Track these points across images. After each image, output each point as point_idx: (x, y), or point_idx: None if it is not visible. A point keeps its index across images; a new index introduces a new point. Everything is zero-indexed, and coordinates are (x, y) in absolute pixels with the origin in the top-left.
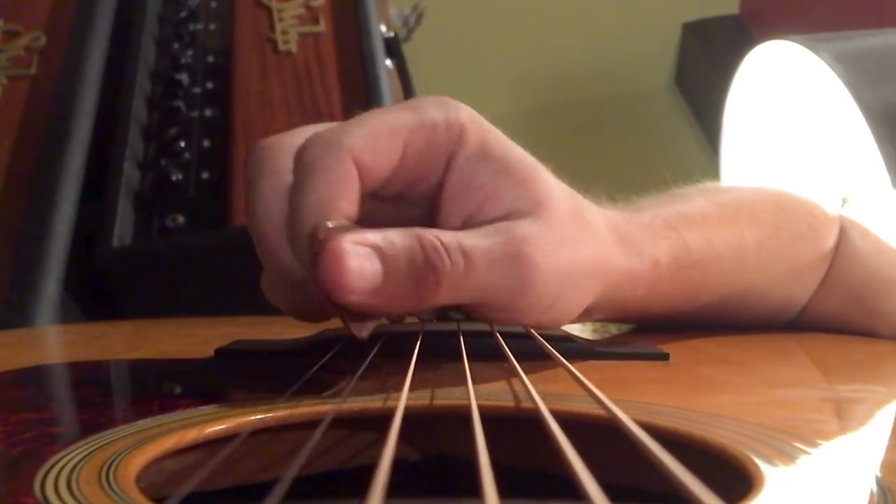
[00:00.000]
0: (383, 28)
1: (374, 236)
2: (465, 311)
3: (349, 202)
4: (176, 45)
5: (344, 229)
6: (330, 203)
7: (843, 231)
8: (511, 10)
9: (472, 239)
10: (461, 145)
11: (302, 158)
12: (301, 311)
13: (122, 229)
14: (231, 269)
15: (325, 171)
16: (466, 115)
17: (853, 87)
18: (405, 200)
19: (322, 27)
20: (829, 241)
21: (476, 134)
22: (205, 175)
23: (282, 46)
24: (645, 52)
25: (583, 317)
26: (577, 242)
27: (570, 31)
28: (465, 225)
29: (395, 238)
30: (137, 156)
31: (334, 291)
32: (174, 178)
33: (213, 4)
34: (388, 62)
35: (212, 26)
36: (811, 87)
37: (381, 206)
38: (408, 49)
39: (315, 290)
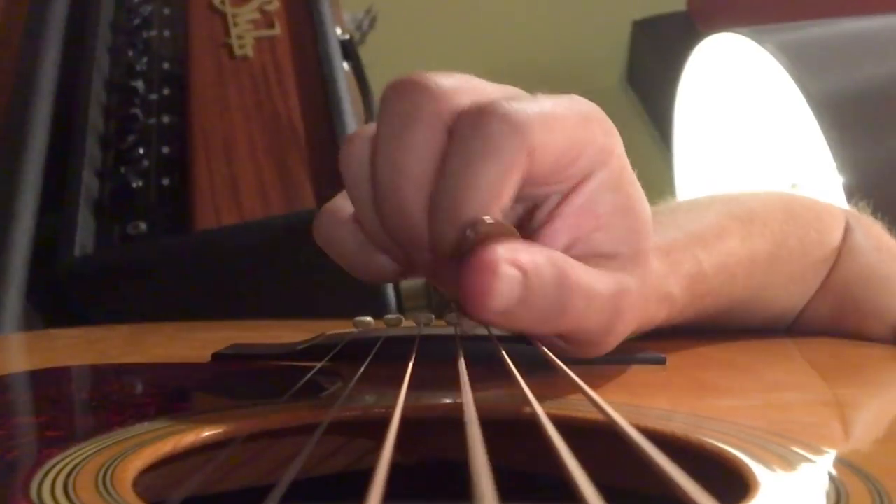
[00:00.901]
0: (338, 30)
1: (525, 257)
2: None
3: (511, 197)
4: (130, 53)
5: (498, 230)
6: (498, 195)
7: (848, 230)
8: (461, 14)
9: (593, 280)
10: (602, 168)
11: (479, 129)
12: (364, 268)
13: (84, 238)
14: (195, 275)
15: (504, 157)
16: (619, 139)
17: (797, 77)
18: (523, 198)
19: (277, 31)
20: (835, 243)
21: (618, 162)
22: (165, 181)
23: (238, 51)
24: (596, 50)
25: None
26: (642, 300)
27: (521, 32)
28: (567, 249)
29: (541, 263)
30: (96, 164)
31: (474, 305)
32: (134, 185)
33: (167, 11)
34: (345, 64)
35: (166, 33)
36: (757, 79)
37: None
38: (362, 53)
39: (417, 260)
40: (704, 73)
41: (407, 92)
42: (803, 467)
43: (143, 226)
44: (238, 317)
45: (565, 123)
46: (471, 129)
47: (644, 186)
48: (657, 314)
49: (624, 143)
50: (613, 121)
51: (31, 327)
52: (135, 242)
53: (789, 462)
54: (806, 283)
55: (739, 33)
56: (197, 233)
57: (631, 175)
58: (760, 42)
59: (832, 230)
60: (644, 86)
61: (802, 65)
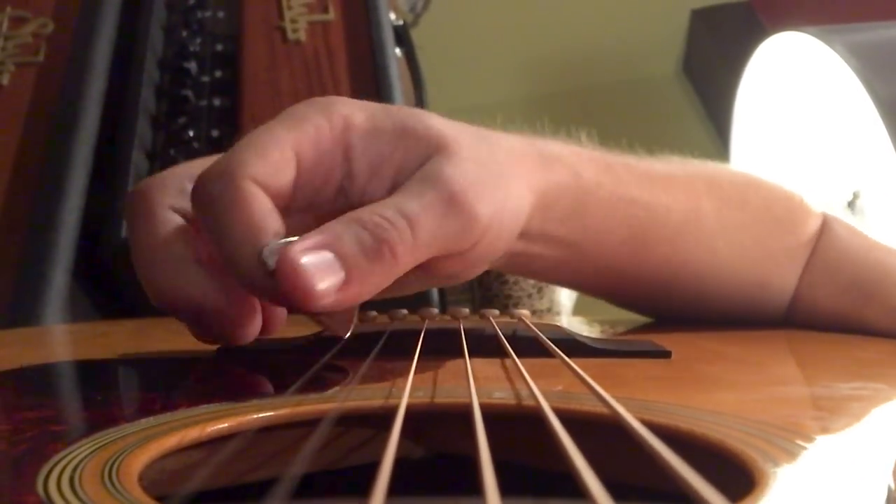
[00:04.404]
0: (392, 16)
1: (318, 237)
2: (432, 273)
3: (272, 220)
4: (184, 33)
5: (284, 243)
6: (257, 231)
7: (827, 225)
8: None
9: (404, 199)
10: (350, 133)
11: (203, 198)
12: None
13: None
14: None
15: (235, 205)
16: (344, 104)
17: (866, 80)
18: (317, 207)
19: (331, 15)
20: (809, 229)
21: (361, 116)
22: None
23: (291, 35)
24: (653, 38)
25: (521, 245)
26: (496, 166)
27: (577, 16)
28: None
29: (337, 229)
30: (146, 145)
31: (305, 302)
32: None
33: None
34: (398, 50)
35: (220, 14)
36: (824, 80)
37: (295, 220)
38: (415, 34)
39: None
40: (768, 72)
41: (129, 197)
42: (809, 461)
43: None
44: None
45: (276, 137)
46: (197, 201)
47: None
48: (562, 176)
49: (677, 131)
50: (667, 110)
51: (77, 307)
52: None
53: (795, 456)
54: (778, 263)
55: (807, 32)
56: None
57: (384, 109)
58: (829, 42)
59: (804, 214)
60: (701, 76)
61: (872, 67)
